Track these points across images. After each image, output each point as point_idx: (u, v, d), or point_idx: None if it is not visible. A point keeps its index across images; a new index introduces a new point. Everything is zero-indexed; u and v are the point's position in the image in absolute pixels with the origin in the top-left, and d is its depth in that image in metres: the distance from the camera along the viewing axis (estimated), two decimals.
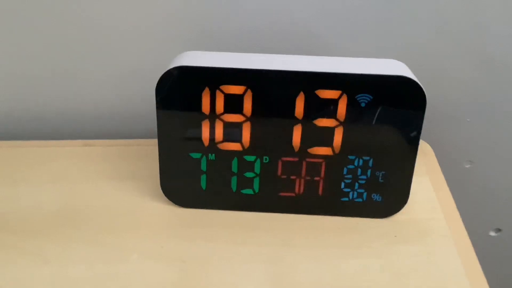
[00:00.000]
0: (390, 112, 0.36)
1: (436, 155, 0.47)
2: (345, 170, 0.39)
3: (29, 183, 0.43)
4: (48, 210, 0.40)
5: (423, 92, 0.36)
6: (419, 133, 0.37)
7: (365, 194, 0.39)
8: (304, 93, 0.36)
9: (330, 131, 0.37)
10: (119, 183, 0.43)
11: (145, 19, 0.45)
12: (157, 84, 0.36)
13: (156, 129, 0.38)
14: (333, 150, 0.38)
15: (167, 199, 0.40)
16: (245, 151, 0.38)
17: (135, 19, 0.45)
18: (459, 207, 0.41)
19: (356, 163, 0.38)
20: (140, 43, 0.46)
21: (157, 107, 0.37)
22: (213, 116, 0.37)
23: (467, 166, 0.54)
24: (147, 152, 0.45)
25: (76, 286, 0.35)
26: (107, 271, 0.36)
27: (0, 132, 0.49)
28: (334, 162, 0.38)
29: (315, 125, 0.37)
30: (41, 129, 0.49)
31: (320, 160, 0.38)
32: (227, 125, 0.38)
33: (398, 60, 0.38)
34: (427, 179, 0.44)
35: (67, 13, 0.45)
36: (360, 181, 0.39)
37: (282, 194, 0.40)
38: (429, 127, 0.48)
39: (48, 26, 0.45)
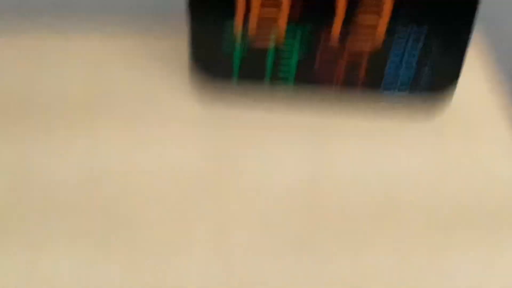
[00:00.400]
0: None
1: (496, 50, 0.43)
2: (393, 47, 0.35)
3: (54, 67, 0.40)
4: (74, 95, 0.38)
5: None
6: (477, 7, 0.33)
7: (414, 69, 0.36)
8: None
9: (376, 10, 0.33)
10: (146, 69, 0.40)
11: None
12: None
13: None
14: (379, 31, 0.34)
15: (196, 91, 0.38)
16: (282, 34, 0.35)
17: None
18: None
19: (405, 39, 0.34)
20: None
21: None
22: (247, 2, 0.34)
23: None
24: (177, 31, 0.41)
25: (105, 172, 0.34)
26: (134, 157, 0.34)
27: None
28: (380, 43, 0.34)
29: (359, 4, 0.33)
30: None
31: (365, 41, 0.34)
32: (262, 7, 0.34)
33: None
34: (480, 72, 0.40)
35: None
36: (410, 56, 0.35)
37: (319, 86, 0.36)
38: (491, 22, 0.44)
39: None
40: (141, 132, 0.36)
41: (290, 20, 0.34)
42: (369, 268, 0.30)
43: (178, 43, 0.41)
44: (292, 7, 0.34)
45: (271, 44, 0.35)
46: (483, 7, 0.34)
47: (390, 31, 0.34)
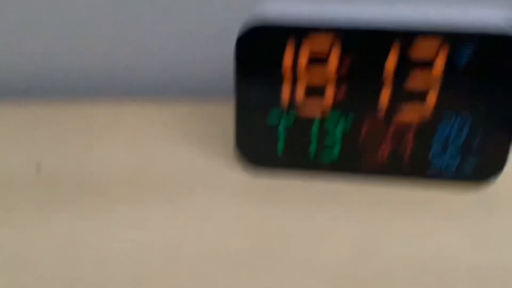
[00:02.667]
0: (491, 72, 0.33)
1: None
2: (438, 133, 0.35)
3: (102, 143, 0.41)
4: (121, 171, 0.39)
5: None
6: None
7: (458, 158, 0.36)
8: (397, 50, 0.33)
9: (423, 92, 0.34)
10: (193, 145, 0.41)
11: None
12: (237, 40, 0.34)
13: (232, 87, 0.36)
14: (424, 113, 0.35)
15: (241, 164, 0.39)
16: (327, 116, 0.36)
17: None
18: None
19: (451, 124, 0.35)
20: None
21: (235, 64, 0.35)
22: (294, 76, 0.35)
23: None
24: (224, 113, 0.43)
25: (152, 248, 0.34)
26: (178, 234, 0.34)
27: (68, 89, 0.48)
28: (425, 125, 0.35)
29: (406, 85, 0.34)
30: (113, 87, 0.48)
31: (410, 122, 0.35)
32: (309, 87, 0.35)
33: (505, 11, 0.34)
34: None
35: None
36: (454, 144, 0.35)
37: (364, 161, 0.37)
38: None
39: None
40: (189, 207, 0.36)
41: (336, 96, 0.35)
42: None
43: (224, 114, 0.42)
44: (339, 83, 0.35)
45: (317, 118, 0.36)
46: None
47: (434, 117, 0.35)
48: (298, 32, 0.33)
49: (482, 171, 0.36)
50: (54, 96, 0.49)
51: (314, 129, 0.36)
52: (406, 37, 0.33)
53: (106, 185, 0.38)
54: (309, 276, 0.32)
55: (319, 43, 0.34)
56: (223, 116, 0.42)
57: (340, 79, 0.34)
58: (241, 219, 0.35)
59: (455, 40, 0.32)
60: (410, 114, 0.35)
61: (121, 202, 0.36)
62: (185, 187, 0.38)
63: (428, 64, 0.33)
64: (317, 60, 0.34)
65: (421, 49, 0.33)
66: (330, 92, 0.35)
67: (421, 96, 0.34)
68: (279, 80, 0.35)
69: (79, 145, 0.42)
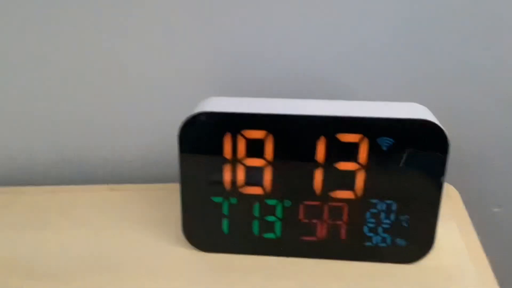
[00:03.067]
0: (412, 156, 0.36)
1: (463, 199, 0.46)
2: (368, 214, 0.38)
3: (54, 229, 0.43)
4: (74, 256, 0.40)
5: (446, 135, 0.35)
6: (443, 176, 0.37)
7: (389, 238, 0.39)
8: (325, 137, 0.36)
9: (352, 174, 0.37)
10: (143, 228, 0.43)
11: (169, 67, 0.46)
12: (180, 128, 0.37)
13: (178, 173, 0.38)
14: (355, 194, 0.38)
15: (189, 244, 0.40)
16: (267, 195, 0.38)
17: (160, 67, 0.46)
18: (487, 253, 0.40)
19: (379, 207, 0.38)
20: (165, 89, 0.47)
21: (179, 151, 0.38)
22: (234, 160, 0.38)
23: (495, 210, 0.53)
24: (171, 197, 0.45)
25: None
26: None
27: (25, 178, 0.50)
28: (356, 206, 0.38)
29: (336, 168, 0.37)
30: (67, 175, 0.50)
31: (342, 204, 0.38)
32: (248, 169, 0.38)
33: (420, 103, 0.38)
34: (454, 224, 0.43)
35: (93, 64, 0.46)
36: (383, 226, 0.38)
37: (304, 238, 0.39)
38: (454, 170, 0.47)
39: (73, 75, 0.47)
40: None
41: (274, 179, 0.38)
42: None
43: (171, 195, 0.44)
44: (276, 168, 0.38)
45: (258, 198, 0.38)
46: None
47: (364, 200, 0.38)
48: (236, 120, 0.37)
49: (411, 253, 0.39)
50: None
51: (255, 208, 0.39)
52: (333, 127, 0.36)
53: (56, 269, 0.39)
54: None
55: (255, 131, 0.37)
56: (173, 200, 0.44)
57: (276, 163, 0.37)
58: None
59: (375, 131, 0.36)
60: (343, 194, 0.38)
61: (73, 286, 0.38)
62: (135, 270, 0.39)
63: (354, 149, 0.36)
64: (254, 146, 0.37)
65: (347, 137, 0.36)
66: (267, 176, 0.38)
67: (351, 178, 0.37)
68: (221, 163, 0.38)
69: (32, 230, 0.43)
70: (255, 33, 0.45)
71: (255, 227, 0.39)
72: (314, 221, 0.39)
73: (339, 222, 0.39)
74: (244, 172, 0.38)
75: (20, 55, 0.46)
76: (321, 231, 0.39)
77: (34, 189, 0.48)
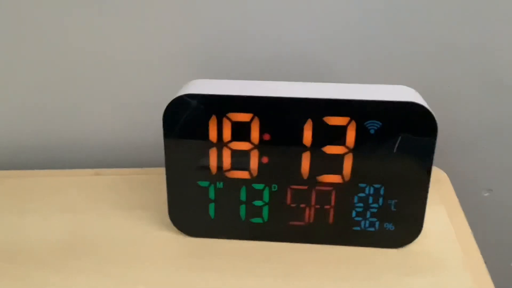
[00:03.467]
0: (400, 139, 0.36)
1: (453, 183, 0.46)
2: (355, 198, 0.38)
3: (37, 213, 0.42)
4: (55, 240, 0.40)
5: (434, 118, 0.35)
6: (431, 160, 0.36)
7: (377, 223, 0.38)
8: (312, 120, 0.36)
9: (339, 158, 0.37)
10: (127, 213, 0.42)
11: (153, 49, 0.45)
12: (164, 112, 0.36)
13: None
14: (342, 178, 0.37)
15: (176, 228, 0.40)
16: (253, 179, 0.38)
17: (143, 49, 0.45)
18: (476, 238, 0.40)
19: (367, 191, 0.37)
20: (148, 72, 0.46)
21: (164, 135, 0.37)
22: (220, 144, 0.37)
23: (485, 195, 0.52)
24: (157, 181, 0.44)
25: None
26: None
27: (9, 162, 0.50)
28: (344, 190, 0.37)
29: (323, 152, 0.36)
30: (51, 159, 0.50)
31: (330, 188, 0.37)
32: (234, 153, 0.37)
33: (408, 86, 0.38)
34: (443, 208, 0.43)
35: (77, 47, 0.45)
36: (371, 210, 0.38)
37: (291, 223, 0.39)
38: (444, 154, 0.47)
39: (56, 59, 0.46)
40: (123, 271, 0.37)
41: (260, 162, 0.37)
42: None
43: (157, 182, 0.44)
44: (262, 151, 0.37)
45: (245, 182, 0.38)
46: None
47: (352, 183, 0.37)
48: (222, 103, 0.36)
49: (399, 237, 0.39)
50: None
51: (242, 192, 0.38)
52: (319, 108, 0.35)
53: (38, 253, 0.39)
54: None
55: (241, 114, 0.36)
56: (159, 185, 0.43)
57: (262, 146, 0.37)
58: (175, 281, 0.36)
59: (362, 114, 0.35)
60: (330, 178, 0.37)
61: (52, 271, 0.37)
62: (120, 253, 0.39)
63: (342, 133, 0.36)
64: (240, 129, 0.36)
65: (335, 120, 0.36)
66: (254, 157, 0.37)
67: (338, 162, 0.37)
68: (206, 147, 0.37)
69: (14, 214, 0.42)
70: (240, 14, 0.44)
71: (242, 211, 0.39)
72: (302, 205, 0.38)
73: (326, 207, 0.38)
74: (230, 156, 0.37)
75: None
76: (309, 216, 0.38)
77: (17, 172, 0.47)
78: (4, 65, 0.46)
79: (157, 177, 0.44)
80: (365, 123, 0.35)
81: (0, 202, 0.44)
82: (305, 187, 0.38)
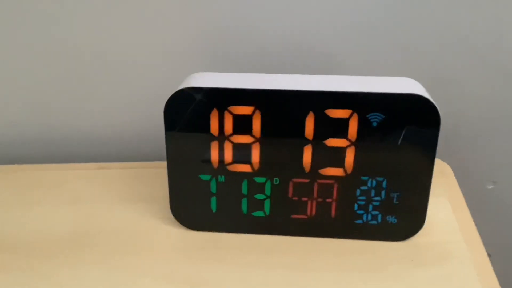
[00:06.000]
0: (403, 131, 0.35)
1: (456, 176, 0.45)
2: (358, 191, 0.37)
3: (44, 206, 0.42)
4: (61, 233, 0.40)
5: (437, 110, 0.34)
6: (434, 152, 0.36)
7: (379, 216, 0.38)
8: (314, 113, 0.35)
9: (341, 151, 0.36)
10: (132, 206, 0.42)
11: (154, 43, 0.45)
12: (165, 105, 0.36)
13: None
14: (345, 171, 0.37)
15: (178, 222, 0.40)
16: (255, 173, 0.38)
17: (145, 44, 0.45)
18: (480, 230, 0.40)
19: (369, 184, 0.37)
20: (150, 66, 0.46)
21: (165, 129, 0.37)
22: (222, 137, 0.37)
23: (489, 187, 0.52)
24: (161, 175, 0.44)
25: None
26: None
27: (15, 156, 0.50)
28: (346, 183, 0.37)
29: (325, 145, 0.36)
30: (57, 152, 0.50)
31: (332, 181, 0.37)
32: (236, 147, 0.37)
33: (412, 78, 0.37)
34: (446, 200, 0.42)
35: (79, 42, 0.45)
36: (374, 203, 0.38)
37: (293, 216, 0.39)
38: (448, 146, 0.47)
39: (59, 52, 0.46)
40: (124, 264, 0.37)
41: (262, 156, 0.37)
42: None
43: (159, 176, 0.44)
44: (264, 144, 0.37)
45: (246, 176, 0.38)
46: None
47: (354, 176, 0.37)
48: (223, 96, 0.36)
49: (402, 230, 0.38)
50: None
51: (244, 186, 0.38)
52: (321, 101, 0.35)
53: (44, 245, 0.39)
54: None
55: (243, 107, 0.36)
56: (162, 178, 0.43)
57: (264, 140, 0.36)
58: (178, 274, 0.36)
59: (364, 106, 0.35)
60: (332, 171, 0.37)
61: (59, 263, 0.37)
62: (123, 246, 0.39)
63: (344, 125, 0.35)
64: (241, 122, 0.36)
65: (336, 113, 0.35)
66: (255, 152, 0.37)
67: (340, 154, 0.36)
68: (208, 141, 0.37)
69: (19, 207, 0.42)
70: (242, 6, 0.44)
71: (244, 205, 0.39)
72: (304, 198, 0.38)
73: (329, 200, 0.38)
74: (232, 150, 0.37)
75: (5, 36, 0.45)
76: (311, 209, 0.38)
77: (22, 166, 0.47)
78: (11, 61, 0.46)
79: (162, 171, 0.44)
80: (367, 116, 0.35)
81: (6, 195, 0.44)
82: (307, 180, 0.37)
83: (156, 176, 0.45)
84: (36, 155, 0.50)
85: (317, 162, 0.37)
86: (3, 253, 0.38)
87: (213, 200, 0.39)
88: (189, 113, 0.36)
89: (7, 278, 0.36)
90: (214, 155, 0.37)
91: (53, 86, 0.47)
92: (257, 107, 0.36)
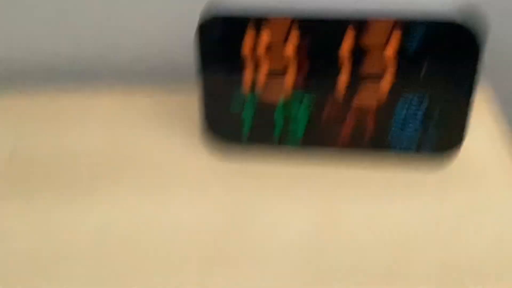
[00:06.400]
0: (443, 57, 0.33)
1: (499, 99, 0.44)
2: (393, 119, 0.36)
3: (75, 130, 0.43)
4: (86, 163, 0.40)
5: (480, 36, 0.32)
6: (476, 79, 0.34)
7: (415, 144, 0.37)
8: (352, 36, 0.34)
9: (378, 77, 0.35)
10: (160, 134, 0.42)
11: None
12: (197, 28, 0.35)
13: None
14: (381, 97, 0.35)
15: (208, 148, 0.40)
16: (288, 100, 0.37)
17: None
18: None
19: (405, 112, 0.36)
20: None
21: (196, 52, 0.36)
22: (254, 62, 0.35)
23: None
24: (191, 102, 0.44)
25: (123, 231, 0.35)
26: (151, 216, 0.36)
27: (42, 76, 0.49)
28: (382, 110, 0.36)
29: (362, 70, 0.35)
30: (83, 76, 0.49)
31: (367, 108, 0.36)
32: (269, 72, 0.36)
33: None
34: (485, 127, 0.41)
35: None
36: (409, 131, 0.36)
37: (327, 143, 0.38)
38: (491, 70, 0.45)
39: None
40: (156, 191, 0.38)
41: (297, 80, 0.36)
42: None
43: (190, 103, 0.43)
44: (299, 68, 0.35)
45: (280, 102, 0.37)
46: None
47: (393, 94, 0.35)
48: (257, 19, 0.34)
49: (442, 147, 0.37)
50: (25, 86, 0.50)
51: (278, 112, 0.37)
52: (359, 22, 0.33)
53: (78, 168, 0.39)
54: (274, 251, 0.33)
55: (277, 29, 0.34)
56: (191, 103, 0.43)
57: (299, 64, 0.35)
58: (209, 200, 0.37)
59: (406, 25, 0.33)
60: (368, 95, 0.36)
61: (88, 188, 0.38)
62: (155, 172, 0.39)
63: (381, 49, 0.34)
64: (276, 45, 0.35)
65: (374, 34, 0.33)
66: (290, 76, 0.36)
67: (377, 79, 0.35)
68: (241, 66, 0.36)
69: (52, 132, 0.43)
70: None
71: (277, 132, 0.38)
72: (338, 126, 0.37)
73: (364, 126, 0.37)
74: (265, 75, 0.36)
75: None
76: (345, 136, 0.37)
77: (50, 92, 0.47)
78: None
79: (191, 97, 0.44)
80: (406, 41, 0.33)
81: (37, 120, 0.44)
82: (342, 107, 0.36)
83: (185, 104, 0.44)
84: (63, 77, 0.49)
85: (353, 88, 0.35)
86: (38, 176, 0.39)
87: (246, 127, 0.38)
88: (221, 35, 0.35)
89: (48, 196, 0.37)
90: (248, 79, 0.36)
91: (80, 11, 0.46)
92: (293, 28, 0.34)
